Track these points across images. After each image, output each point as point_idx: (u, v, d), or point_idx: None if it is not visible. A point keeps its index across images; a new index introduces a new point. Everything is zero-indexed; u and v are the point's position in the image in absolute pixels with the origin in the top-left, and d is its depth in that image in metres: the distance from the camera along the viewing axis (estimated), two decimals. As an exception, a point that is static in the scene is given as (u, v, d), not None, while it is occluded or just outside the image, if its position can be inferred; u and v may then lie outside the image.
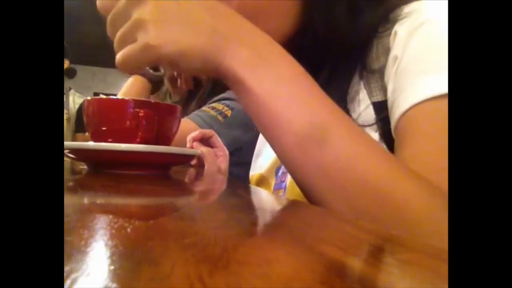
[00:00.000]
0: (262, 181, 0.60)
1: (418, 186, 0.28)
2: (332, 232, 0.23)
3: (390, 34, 0.43)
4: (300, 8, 0.42)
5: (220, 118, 0.98)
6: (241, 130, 1.00)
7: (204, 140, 0.79)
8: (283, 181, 0.52)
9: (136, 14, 0.30)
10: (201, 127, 0.95)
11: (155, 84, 1.16)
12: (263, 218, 0.26)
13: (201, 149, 0.77)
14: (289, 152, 0.30)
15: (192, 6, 0.30)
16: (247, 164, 1.03)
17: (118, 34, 0.32)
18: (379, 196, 0.28)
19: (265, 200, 0.37)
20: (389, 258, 0.16)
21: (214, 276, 0.12)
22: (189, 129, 0.97)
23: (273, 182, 0.56)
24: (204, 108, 1.02)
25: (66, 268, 0.11)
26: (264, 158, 0.62)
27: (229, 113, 1.00)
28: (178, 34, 0.29)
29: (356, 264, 0.14)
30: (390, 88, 0.41)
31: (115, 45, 0.32)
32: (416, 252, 0.18)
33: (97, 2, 0.33)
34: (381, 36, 0.44)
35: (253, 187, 0.51)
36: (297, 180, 0.32)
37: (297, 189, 0.48)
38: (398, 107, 0.38)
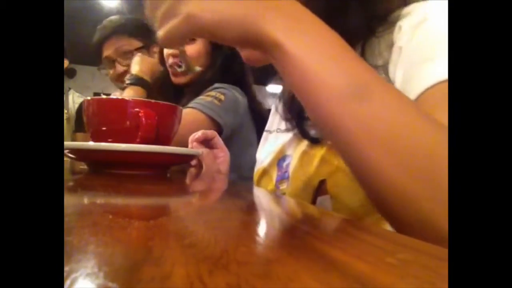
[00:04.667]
0: (264, 174, 0.60)
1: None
2: (332, 232, 0.23)
3: (392, 31, 0.44)
4: None
5: (216, 102, 1.01)
6: (233, 113, 1.03)
7: (206, 142, 0.80)
8: (286, 172, 0.52)
9: None
10: (202, 112, 0.97)
11: (151, 92, 1.19)
12: (263, 218, 0.26)
13: (200, 151, 0.77)
14: (329, 110, 0.30)
15: None
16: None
17: (160, 12, 0.33)
18: (425, 153, 0.27)
19: (265, 200, 0.37)
20: (389, 258, 0.16)
21: (214, 276, 0.12)
22: (193, 117, 0.98)
23: (275, 174, 0.56)
24: (199, 97, 1.04)
25: (66, 268, 0.11)
26: (264, 154, 0.63)
27: (222, 97, 1.03)
28: (218, 4, 0.31)
29: (356, 264, 0.14)
30: (398, 79, 0.41)
31: (157, 24, 0.34)
32: (416, 252, 0.18)
33: None
34: (382, 35, 0.45)
35: (252, 188, 0.51)
36: (336, 140, 0.31)
37: (300, 178, 0.48)
38: (409, 95, 0.38)
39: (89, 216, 0.21)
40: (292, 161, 0.52)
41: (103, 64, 1.48)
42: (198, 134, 0.78)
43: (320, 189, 0.47)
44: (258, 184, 0.62)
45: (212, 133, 0.80)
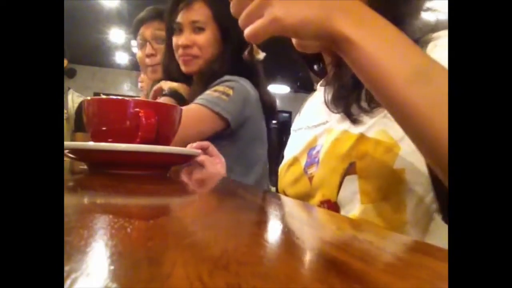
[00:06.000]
0: (294, 162, 0.65)
1: None
2: (332, 232, 0.23)
3: (425, 49, 0.51)
4: None
5: (224, 97, 1.00)
6: (242, 105, 1.03)
7: (202, 150, 0.82)
8: (316, 157, 0.59)
9: None
10: (208, 108, 0.97)
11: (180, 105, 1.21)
12: (263, 218, 0.26)
13: (197, 159, 0.79)
14: (399, 93, 0.36)
15: None
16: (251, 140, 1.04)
17: (246, 11, 0.38)
18: None
19: (265, 200, 0.37)
20: (389, 258, 0.16)
21: (214, 276, 0.12)
22: (200, 114, 0.98)
23: (303, 161, 0.62)
24: (206, 92, 1.03)
25: (66, 268, 0.11)
26: (291, 148, 0.69)
27: (230, 92, 1.02)
28: (298, 8, 0.37)
29: (356, 264, 0.14)
30: None
31: (242, 21, 0.39)
32: (416, 252, 0.18)
33: None
34: None
35: (253, 187, 0.51)
36: (403, 115, 0.37)
37: (330, 161, 0.55)
38: None
39: (89, 216, 0.21)
40: (323, 147, 0.58)
41: (137, 42, 1.50)
42: (193, 145, 0.81)
43: (348, 170, 0.52)
44: (286, 174, 0.66)
45: (206, 143, 0.83)
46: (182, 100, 1.18)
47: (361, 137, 0.52)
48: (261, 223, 0.24)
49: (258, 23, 0.37)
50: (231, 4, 0.40)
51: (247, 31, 0.39)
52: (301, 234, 0.21)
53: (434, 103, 0.35)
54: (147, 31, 1.47)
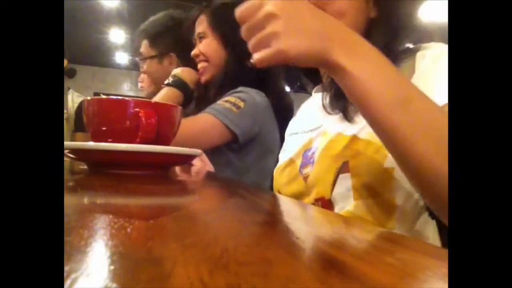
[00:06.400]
0: (289, 164, 0.68)
1: None
2: (332, 232, 0.23)
3: (414, 58, 0.57)
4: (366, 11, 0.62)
5: (234, 109, 1.00)
6: (252, 120, 1.03)
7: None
8: (311, 158, 0.62)
9: (271, 27, 0.41)
10: (218, 118, 0.97)
11: (187, 99, 1.20)
12: (263, 218, 0.26)
13: (193, 162, 0.81)
14: (383, 116, 0.41)
15: (309, 20, 0.42)
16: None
17: (254, 39, 0.43)
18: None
19: (265, 200, 0.37)
20: (389, 258, 0.16)
21: (214, 276, 0.12)
22: (207, 123, 0.98)
23: (299, 162, 0.66)
24: (218, 102, 1.03)
25: (66, 268, 0.11)
26: (286, 152, 0.73)
27: (242, 104, 1.02)
28: (301, 41, 0.41)
29: (355, 264, 0.14)
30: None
31: (251, 47, 0.43)
32: (416, 252, 0.18)
33: (236, 13, 0.44)
34: (406, 60, 0.58)
35: (252, 188, 0.51)
36: (388, 136, 0.42)
37: (325, 160, 0.59)
38: None
39: (89, 216, 0.21)
40: (318, 148, 0.62)
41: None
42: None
43: (341, 168, 0.56)
44: (281, 174, 0.69)
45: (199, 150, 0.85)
46: (187, 90, 1.18)
47: (354, 138, 0.56)
48: (261, 223, 0.24)
49: (265, 53, 0.41)
50: (242, 29, 0.44)
51: (254, 57, 0.43)
52: (300, 234, 0.21)
53: (415, 128, 0.39)
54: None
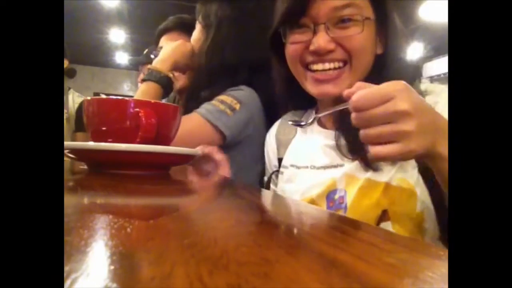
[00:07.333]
0: (311, 203, 0.66)
1: None
2: (331, 232, 0.23)
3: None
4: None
5: (228, 111, 0.99)
6: (244, 124, 1.02)
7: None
8: (342, 203, 0.62)
9: (404, 126, 0.42)
10: (208, 120, 0.96)
11: (166, 90, 1.19)
12: (263, 219, 0.26)
13: (217, 156, 0.80)
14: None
15: (432, 118, 0.44)
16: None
17: (378, 131, 0.42)
18: None
19: (265, 200, 0.37)
20: (389, 258, 0.16)
21: (214, 276, 0.12)
22: (197, 124, 0.97)
23: (323, 203, 0.64)
24: (213, 101, 1.02)
25: (66, 268, 0.11)
26: (297, 184, 0.69)
27: (237, 106, 1.00)
28: (426, 139, 0.43)
29: (355, 264, 0.14)
30: None
31: (369, 138, 0.43)
32: (416, 252, 0.18)
33: (353, 98, 0.43)
34: None
35: (252, 188, 0.51)
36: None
37: (360, 208, 0.60)
38: None
39: (89, 216, 0.21)
40: (349, 194, 0.62)
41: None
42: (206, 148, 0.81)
43: (382, 217, 0.57)
44: None
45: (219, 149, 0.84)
46: (163, 81, 1.10)
47: (388, 186, 0.58)
48: (261, 223, 0.24)
49: (393, 149, 0.42)
50: (357, 115, 0.43)
51: (376, 151, 0.43)
52: (301, 234, 0.21)
53: None
54: (168, 41, 1.47)
